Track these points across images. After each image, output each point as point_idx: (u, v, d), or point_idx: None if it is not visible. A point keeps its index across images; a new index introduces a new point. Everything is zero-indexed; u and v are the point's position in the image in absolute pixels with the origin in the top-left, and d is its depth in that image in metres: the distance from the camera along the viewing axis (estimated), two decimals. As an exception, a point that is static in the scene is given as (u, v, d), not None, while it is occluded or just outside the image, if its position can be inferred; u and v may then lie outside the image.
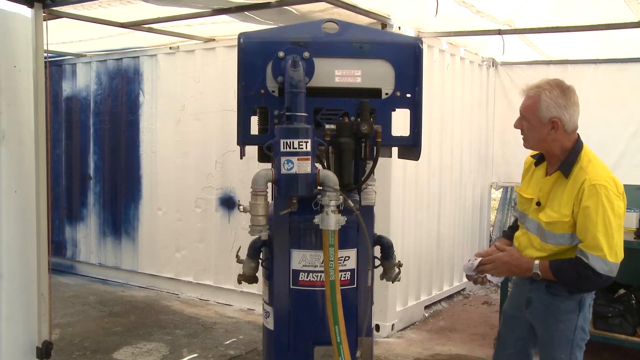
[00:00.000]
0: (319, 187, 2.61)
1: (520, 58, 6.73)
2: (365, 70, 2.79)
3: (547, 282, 2.63)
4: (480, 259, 2.75)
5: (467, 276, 2.85)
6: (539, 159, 2.78)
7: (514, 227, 2.98)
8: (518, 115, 2.72)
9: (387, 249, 3.02)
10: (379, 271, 3.07)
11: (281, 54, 2.69)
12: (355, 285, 2.81)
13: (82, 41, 6.33)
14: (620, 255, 2.51)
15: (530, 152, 2.89)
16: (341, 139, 2.70)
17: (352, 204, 2.63)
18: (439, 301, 6.35)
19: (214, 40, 6.20)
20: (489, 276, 2.78)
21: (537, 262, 2.58)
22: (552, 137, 2.58)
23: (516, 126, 2.69)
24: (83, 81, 7.50)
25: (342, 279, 2.71)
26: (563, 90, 2.57)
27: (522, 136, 2.69)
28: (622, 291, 4.77)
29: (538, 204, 2.67)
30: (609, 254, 2.46)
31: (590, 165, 2.54)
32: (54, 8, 4.33)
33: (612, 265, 2.47)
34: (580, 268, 2.48)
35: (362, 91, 2.78)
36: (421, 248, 5.89)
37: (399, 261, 3.06)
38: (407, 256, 5.52)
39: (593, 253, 2.46)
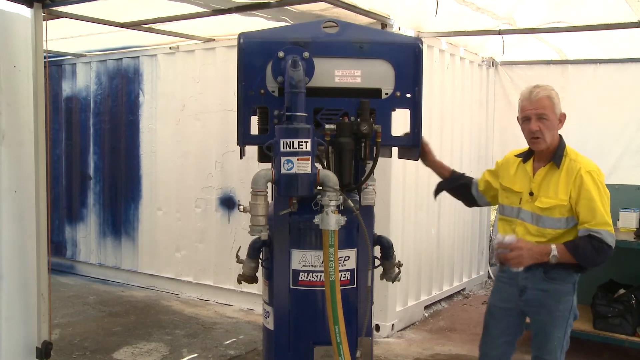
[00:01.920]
0: (319, 187, 2.61)
1: (520, 58, 6.73)
2: (365, 70, 2.79)
3: (545, 269, 2.85)
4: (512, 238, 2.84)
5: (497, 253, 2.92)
6: (526, 156, 3.00)
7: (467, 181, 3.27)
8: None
9: (387, 249, 3.02)
10: (379, 271, 3.07)
11: (281, 54, 2.69)
12: (355, 285, 2.81)
13: (82, 36, 6.28)
14: None
15: (512, 151, 3.15)
16: (341, 139, 2.70)
17: (352, 204, 2.63)
18: (439, 301, 6.34)
19: (214, 40, 6.19)
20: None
21: (553, 245, 2.78)
22: (556, 133, 2.88)
23: (534, 128, 2.83)
24: (83, 81, 7.50)
25: (342, 279, 2.72)
26: (556, 91, 2.89)
27: (537, 137, 2.84)
28: (622, 291, 4.77)
29: (531, 194, 2.90)
30: (612, 228, 2.79)
31: (578, 157, 2.87)
32: (54, 8, 4.32)
33: (614, 237, 2.80)
34: (595, 243, 2.75)
35: (362, 91, 2.79)
36: (421, 248, 5.88)
37: (398, 261, 3.06)
38: (407, 256, 5.52)
39: (604, 228, 2.75)
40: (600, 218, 2.75)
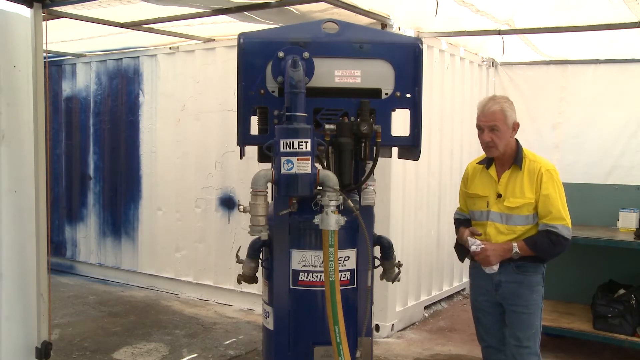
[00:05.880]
0: (318, 187, 2.61)
1: (520, 58, 6.73)
2: (365, 71, 2.79)
3: (516, 264, 3.05)
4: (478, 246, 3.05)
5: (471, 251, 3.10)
6: (488, 163, 3.18)
7: (466, 221, 3.32)
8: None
9: (387, 249, 3.03)
10: (378, 271, 3.07)
11: (281, 54, 2.70)
12: (355, 285, 2.82)
13: (82, 40, 6.31)
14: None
15: (471, 161, 3.36)
16: (341, 139, 2.70)
17: (352, 204, 2.63)
18: (439, 301, 6.34)
19: (213, 40, 6.19)
20: (486, 269, 3.08)
21: (514, 243, 3.02)
22: (511, 139, 3.07)
23: (486, 139, 3.04)
24: (83, 81, 7.50)
25: (342, 279, 2.72)
26: (510, 100, 3.11)
27: (490, 146, 3.05)
28: (622, 291, 4.77)
29: (499, 195, 3.09)
30: (569, 222, 3.02)
31: (536, 157, 3.11)
32: (54, 8, 4.32)
33: (570, 230, 3.04)
34: (552, 237, 2.99)
35: (362, 91, 2.79)
36: (421, 248, 5.88)
37: (398, 261, 3.07)
38: (407, 256, 5.52)
39: (559, 223, 2.99)
40: (556, 213, 2.99)
